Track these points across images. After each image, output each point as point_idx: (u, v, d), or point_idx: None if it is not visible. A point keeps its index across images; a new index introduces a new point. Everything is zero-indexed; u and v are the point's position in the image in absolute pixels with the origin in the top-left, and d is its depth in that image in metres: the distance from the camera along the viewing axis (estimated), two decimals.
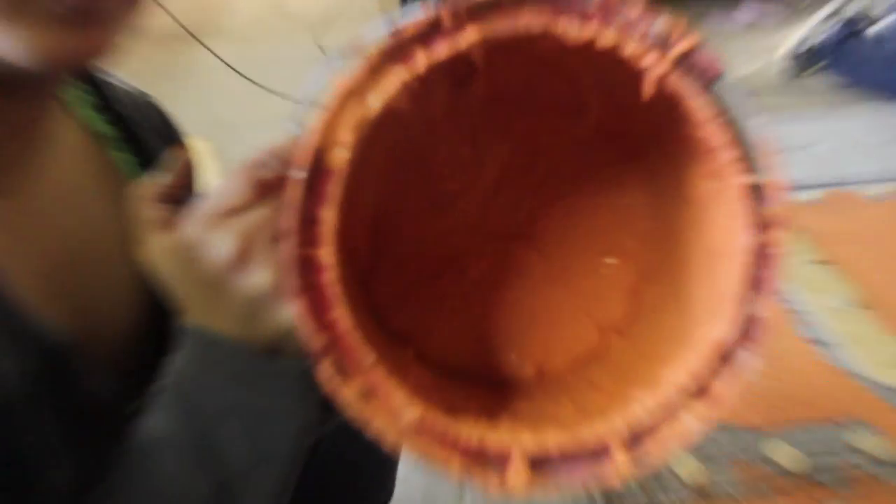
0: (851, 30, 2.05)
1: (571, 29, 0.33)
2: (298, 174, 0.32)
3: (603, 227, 0.46)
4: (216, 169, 1.64)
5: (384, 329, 0.43)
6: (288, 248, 0.32)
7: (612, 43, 0.33)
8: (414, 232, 0.45)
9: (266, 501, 0.38)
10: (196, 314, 0.37)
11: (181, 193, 0.40)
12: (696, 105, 0.33)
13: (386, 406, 0.32)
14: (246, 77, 1.94)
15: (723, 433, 0.72)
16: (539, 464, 0.33)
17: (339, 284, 0.32)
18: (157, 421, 0.36)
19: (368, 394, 0.32)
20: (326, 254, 0.32)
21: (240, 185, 0.35)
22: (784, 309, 0.97)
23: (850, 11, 2.08)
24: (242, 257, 0.34)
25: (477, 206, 0.46)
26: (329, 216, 0.32)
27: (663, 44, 0.33)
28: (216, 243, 0.35)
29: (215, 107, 2.01)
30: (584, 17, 0.33)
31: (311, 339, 0.32)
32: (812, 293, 1.00)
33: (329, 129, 0.32)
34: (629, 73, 0.34)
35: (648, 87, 0.34)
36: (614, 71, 0.35)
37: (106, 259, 0.44)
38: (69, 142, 0.44)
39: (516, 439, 0.33)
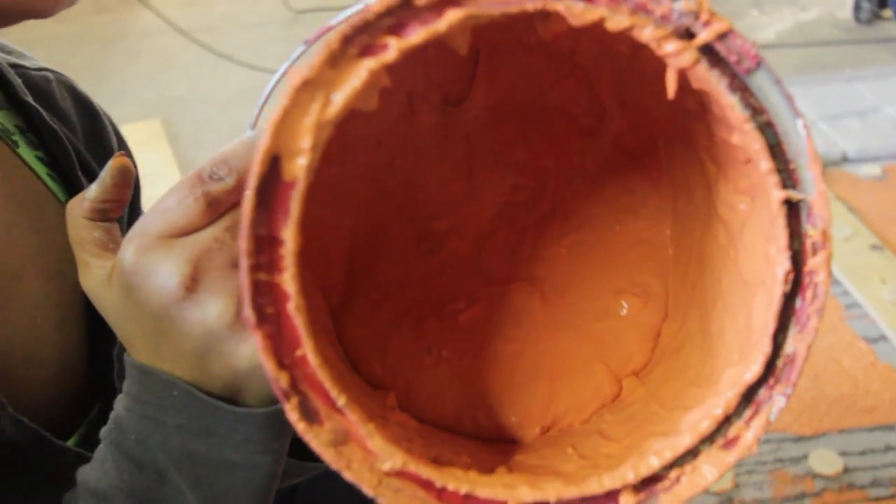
0: None
1: (575, 7, 0.31)
2: (251, 184, 0.30)
3: (619, 263, 0.45)
4: (167, 155, 1.63)
5: (359, 374, 0.41)
6: (243, 274, 0.30)
7: (625, 25, 0.31)
8: (394, 271, 0.43)
9: None
10: (142, 351, 0.36)
11: (119, 209, 0.38)
12: (729, 103, 0.31)
13: (362, 453, 0.31)
14: (199, 42, 1.94)
15: (761, 443, 0.74)
16: None
17: (305, 315, 0.30)
18: (100, 473, 0.36)
19: (341, 439, 0.31)
20: (289, 280, 0.30)
21: (186, 201, 0.33)
22: (836, 304, 0.96)
23: None
24: (192, 286, 0.33)
25: (470, 246, 0.45)
26: (289, 236, 0.30)
27: (688, 28, 0.31)
28: (161, 271, 0.33)
29: (165, 79, 2.01)
30: None
31: (274, 377, 0.30)
32: (867, 284, 0.99)
33: (285, 131, 0.30)
34: (652, 69, 0.32)
35: (671, 82, 0.32)
36: (635, 66, 0.33)
37: (19, 276, 0.44)
38: None
39: (512, 490, 0.32)
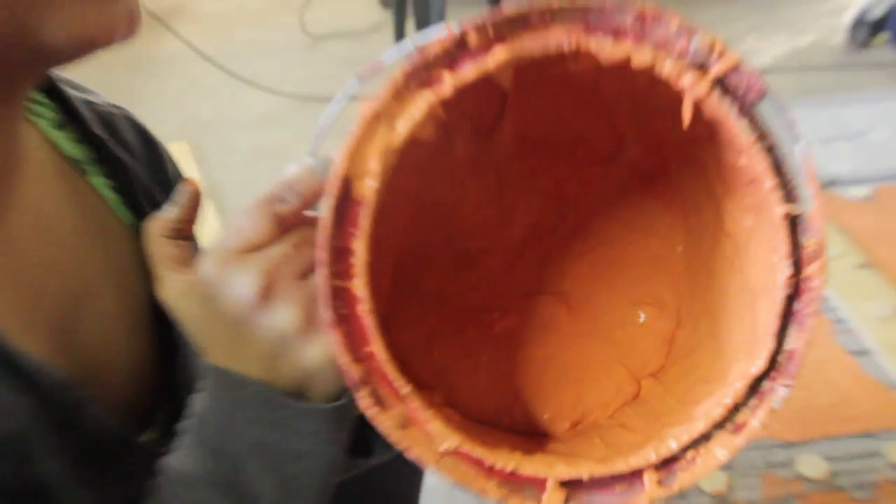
0: None
1: (605, 46, 0.33)
2: (328, 203, 0.33)
3: (635, 277, 0.47)
4: (196, 174, 1.66)
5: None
6: (322, 280, 0.33)
7: (648, 62, 0.33)
8: (435, 285, 0.46)
9: None
10: (218, 355, 0.38)
11: (191, 228, 0.41)
12: (738, 129, 0.34)
13: (423, 434, 0.34)
14: (222, 67, 1.96)
15: (752, 449, 0.75)
16: (573, 490, 0.35)
17: (374, 316, 0.34)
18: (184, 461, 0.38)
19: (406, 422, 0.34)
20: (360, 286, 0.33)
21: (258, 220, 0.36)
22: (824, 319, 0.98)
23: None
24: (265, 295, 0.35)
25: (502, 263, 0.47)
26: (360, 248, 0.33)
27: (702, 62, 0.34)
28: (237, 282, 0.36)
29: (191, 103, 2.02)
30: (618, 33, 0.34)
31: (349, 370, 0.33)
32: (854, 301, 1.00)
33: (357, 156, 0.33)
34: (667, 100, 0.35)
35: (687, 111, 0.34)
36: (651, 97, 0.36)
37: (92, 293, 0.45)
38: (41, 167, 0.45)
39: (551, 468, 0.35)
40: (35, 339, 0.39)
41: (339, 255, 0.33)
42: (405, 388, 0.34)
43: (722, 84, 0.34)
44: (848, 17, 2.12)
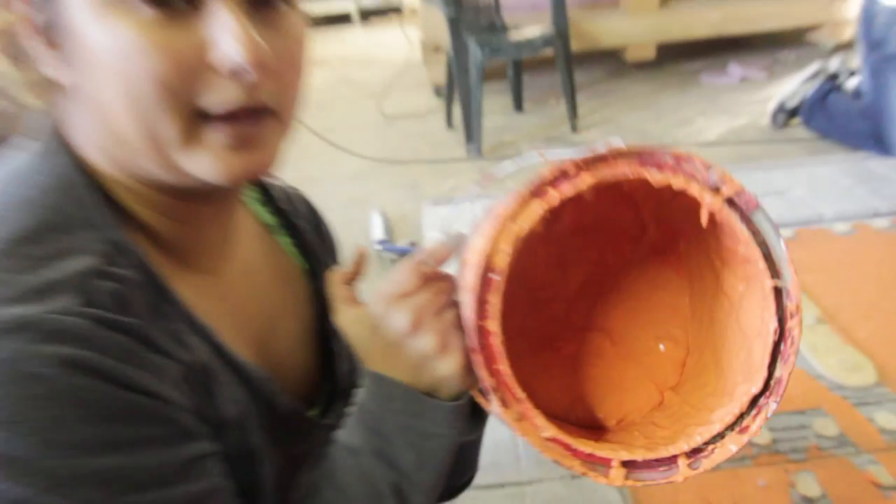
0: (832, 86, 1.97)
1: (654, 175, 0.36)
2: (474, 271, 0.36)
3: (656, 320, 0.48)
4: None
5: None
6: (471, 320, 0.36)
7: (683, 186, 0.36)
8: (518, 321, 0.46)
9: (427, 494, 0.40)
10: (376, 363, 0.39)
11: (359, 278, 0.43)
12: (739, 229, 0.36)
13: (532, 425, 0.36)
14: (323, 138, 1.97)
15: None
16: (630, 469, 0.37)
17: (502, 346, 0.36)
18: (349, 435, 0.40)
19: (521, 417, 0.36)
20: (494, 325, 0.36)
21: (409, 275, 0.38)
22: None
23: (831, 68, 2.01)
24: (415, 327, 0.37)
25: (563, 307, 0.49)
26: (495, 300, 0.36)
27: (716, 186, 0.36)
28: (396, 317, 0.38)
29: (302, 164, 2.04)
30: (661, 166, 0.36)
31: (485, 380, 0.36)
32: None
33: (495, 241, 0.36)
34: (683, 203, 0.37)
35: (705, 217, 0.36)
36: (671, 201, 0.38)
37: (280, 319, 0.46)
38: (247, 230, 0.46)
39: (615, 452, 0.36)
40: (246, 349, 0.41)
41: (481, 305, 0.36)
42: (521, 394, 0.36)
43: (731, 201, 0.36)
44: (771, 105, 2.14)
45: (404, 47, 3.30)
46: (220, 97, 0.32)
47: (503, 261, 0.36)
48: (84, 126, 0.35)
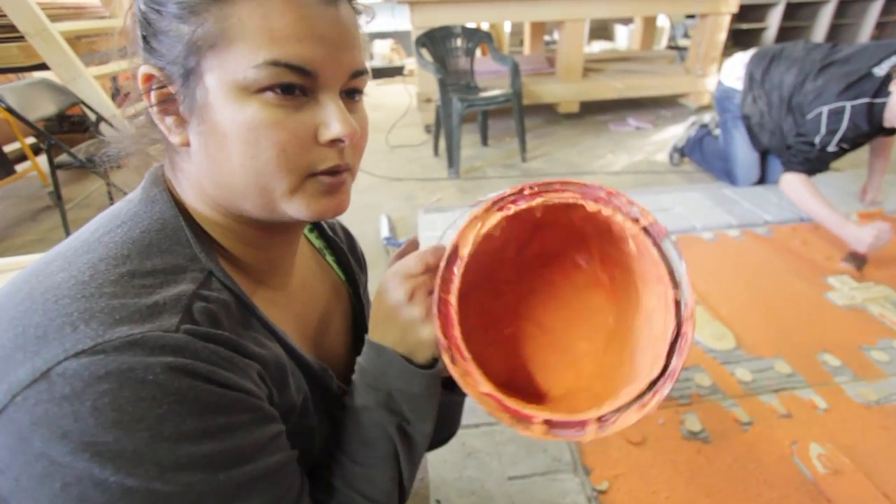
0: (706, 132, 2.04)
1: (589, 205, 0.36)
2: (445, 255, 0.35)
3: (580, 328, 0.46)
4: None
5: None
6: (436, 293, 0.35)
7: (610, 214, 0.35)
8: (478, 304, 0.46)
9: (425, 438, 0.39)
10: (376, 333, 0.39)
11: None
12: (652, 252, 0.35)
13: (473, 381, 0.35)
14: None
15: None
16: (549, 426, 0.35)
17: (458, 314, 0.35)
18: (356, 395, 0.39)
19: (465, 373, 0.35)
20: (453, 298, 0.35)
21: (415, 262, 0.38)
22: None
23: (705, 119, 2.10)
24: (409, 299, 0.37)
25: (514, 300, 0.48)
26: (456, 279, 0.35)
27: (636, 217, 0.36)
28: (399, 290, 0.37)
29: None
30: (597, 199, 0.36)
31: (441, 340, 0.35)
32: None
33: (462, 237, 0.35)
34: (616, 235, 0.36)
35: (631, 242, 0.36)
36: (609, 234, 0.37)
37: (328, 319, 0.46)
38: (303, 253, 0.46)
39: (538, 411, 0.35)
40: (304, 345, 0.41)
41: (445, 282, 0.35)
42: (467, 355, 0.35)
43: (646, 229, 0.35)
44: (667, 146, 2.24)
45: (405, 97, 3.57)
46: (324, 159, 0.34)
47: (465, 250, 0.35)
48: (191, 176, 0.35)
